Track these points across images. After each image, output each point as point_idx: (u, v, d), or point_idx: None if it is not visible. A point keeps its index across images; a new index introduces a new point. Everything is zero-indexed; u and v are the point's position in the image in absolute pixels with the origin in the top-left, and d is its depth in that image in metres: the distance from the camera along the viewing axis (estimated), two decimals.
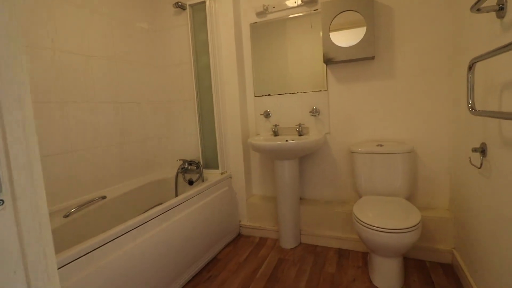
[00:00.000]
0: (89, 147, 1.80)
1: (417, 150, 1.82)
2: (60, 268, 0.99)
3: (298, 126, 2.03)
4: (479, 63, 1.17)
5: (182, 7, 2.24)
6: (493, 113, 0.82)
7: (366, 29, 1.72)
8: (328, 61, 1.84)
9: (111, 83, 1.97)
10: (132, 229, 1.30)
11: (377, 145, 1.76)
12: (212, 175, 2.14)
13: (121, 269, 1.20)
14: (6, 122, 0.39)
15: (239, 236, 2.23)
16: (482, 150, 1.18)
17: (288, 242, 1.98)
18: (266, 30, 2.11)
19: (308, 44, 2.00)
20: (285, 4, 2.03)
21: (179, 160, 2.27)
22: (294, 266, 1.77)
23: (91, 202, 1.71)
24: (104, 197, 1.80)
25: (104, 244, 1.16)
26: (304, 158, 2.13)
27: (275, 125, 2.10)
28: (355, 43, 1.75)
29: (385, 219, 1.40)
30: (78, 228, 1.61)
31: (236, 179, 2.22)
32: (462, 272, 1.47)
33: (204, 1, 2.10)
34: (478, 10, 0.96)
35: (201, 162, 2.24)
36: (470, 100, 1.03)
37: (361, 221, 1.42)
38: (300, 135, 2.03)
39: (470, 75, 1.02)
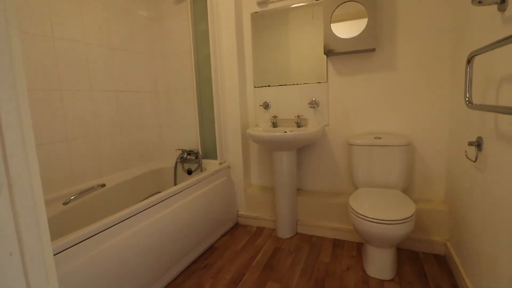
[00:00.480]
0: (88, 135, 1.81)
1: (415, 143, 1.83)
2: (57, 254, 1.01)
3: (297, 117, 2.03)
4: (480, 57, 1.16)
5: None
6: (489, 107, 0.82)
7: (368, 20, 1.70)
8: (328, 52, 1.83)
9: (110, 71, 1.96)
10: (131, 217, 1.32)
11: (375, 138, 1.77)
12: (210, 165, 2.16)
13: (119, 255, 1.23)
14: (0, 107, 0.39)
15: (236, 225, 2.26)
16: (478, 144, 1.19)
17: (284, 232, 2.01)
18: (267, 20, 2.09)
19: (309, 35, 1.98)
20: None
21: (178, 149, 2.28)
22: (289, 255, 1.80)
23: (90, 190, 1.74)
24: (103, 185, 1.82)
25: (102, 231, 1.18)
26: (303, 149, 2.14)
27: (274, 116, 2.10)
28: (356, 34, 1.73)
29: (380, 210, 1.41)
30: (78, 215, 1.63)
31: (234, 169, 2.24)
32: (454, 264, 1.50)
33: None
34: (480, 2, 0.95)
35: (200, 152, 2.26)
36: (467, 94, 1.03)
37: (356, 212, 1.44)
38: (298, 126, 2.04)
39: (468, 69, 1.01)
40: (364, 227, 1.41)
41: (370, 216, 1.38)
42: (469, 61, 1.01)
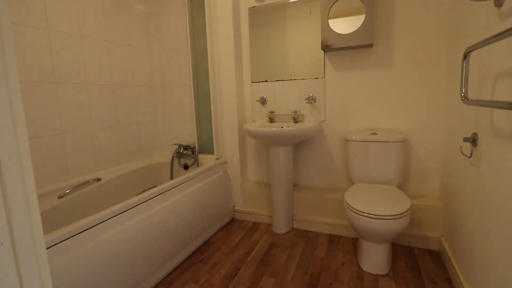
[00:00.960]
0: (83, 129, 1.80)
1: (411, 139, 1.84)
2: (51, 246, 1.00)
3: (294, 113, 2.03)
4: (476, 53, 1.17)
5: None
6: (485, 102, 0.83)
7: (365, 16, 1.69)
8: (326, 48, 1.82)
9: (106, 64, 1.94)
10: (126, 210, 1.32)
11: (371, 134, 1.77)
12: (207, 160, 2.15)
13: (115, 249, 1.23)
14: None
15: (232, 220, 2.27)
16: (473, 140, 1.19)
17: (280, 227, 2.02)
18: (265, 14, 2.07)
19: (306, 30, 1.97)
20: None
21: (175, 144, 2.27)
22: (285, 250, 1.81)
23: (85, 184, 1.73)
24: (99, 179, 1.81)
25: (97, 224, 1.17)
26: (299, 145, 2.14)
27: (271, 112, 2.09)
28: (354, 29, 1.73)
29: (375, 206, 1.42)
30: (73, 209, 1.62)
31: (231, 164, 2.23)
32: (448, 259, 1.51)
33: None
34: None
35: (196, 147, 2.25)
36: (463, 89, 1.03)
37: (352, 207, 1.44)
38: (295, 122, 2.03)
39: (464, 64, 1.02)
40: (359, 222, 1.42)
41: (366, 212, 1.38)
42: (465, 56, 1.01)
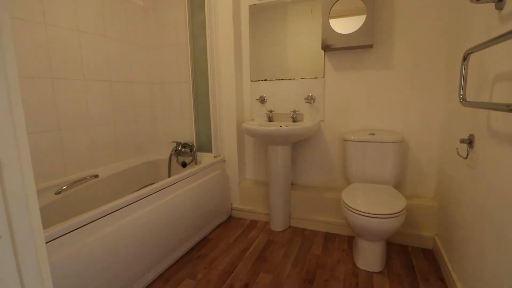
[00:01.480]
0: (81, 125, 1.79)
1: (408, 140, 1.85)
2: (49, 242, 1.00)
3: (293, 112, 2.03)
4: (475, 56, 1.18)
5: None
6: (483, 104, 0.84)
7: (366, 16, 1.70)
8: (326, 47, 1.83)
9: (104, 61, 1.93)
10: (125, 206, 1.32)
11: (370, 134, 1.78)
12: (205, 158, 2.16)
13: (112, 245, 1.23)
14: None
15: (230, 218, 2.28)
16: (470, 141, 1.21)
17: (277, 225, 2.03)
18: (265, 13, 2.07)
19: (307, 30, 1.97)
20: None
21: (173, 142, 2.27)
22: (282, 247, 1.82)
23: (83, 180, 1.72)
24: (96, 176, 1.80)
25: (95, 220, 1.17)
26: (297, 144, 2.15)
27: (270, 111, 2.10)
28: (355, 30, 1.73)
29: (371, 205, 1.44)
30: (70, 205, 1.62)
31: (229, 163, 2.24)
32: (441, 258, 1.54)
33: None
34: (478, 0, 0.95)
35: (194, 145, 2.25)
36: (462, 91, 1.04)
37: (349, 206, 1.46)
38: (294, 121, 2.04)
39: (464, 66, 1.03)
40: (355, 220, 1.43)
41: (362, 210, 1.40)
42: (465, 58, 1.02)
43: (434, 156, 1.81)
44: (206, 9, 2.03)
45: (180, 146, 2.23)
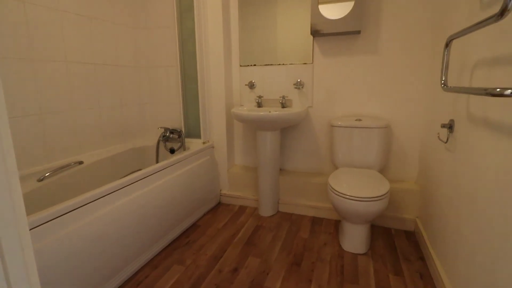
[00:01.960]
0: (64, 109, 1.74)
1: (393, 125, 1.90)
2: (32, 229, 0.99)
3: (281, 98, 2.04)
4: (457, 43, 1.20)
5: None
6: (462, 88, 0.87)
7: (354, 2, 1.69)
8: (315, 33, 1.82)
9: (88, 42, 1.86)
10: (111, 193, 1.30)
11: (356, 120, 1.81)
12: (194, 144, 2.14)
13: (97, 232, 1.22)
14: None
15: (219, 204, 2.29)
16: (450, 126, 1.25)
17: (266, 210, 2.07)
18: None
19: (296, 15, 1.95)
20: None
21: (161, 128, 2.24)
22: (270, 232, 1.86)
23: (67, 166, 1.69)
24: (81, 162, 1.77)
25: (80, 207, 1.16)
26: (286, 130, 2.16)
27: (259, 96, 2.09)
28: (343, 15, 1.73)
29: (356, 188, 1.48)
30: (53, 193, 1.59)
31: (218, 149, 2.24)
32: (422, 239, 1.61)
33: None
34: None
35: (183, 131, 2.23)
36: (443, 77, 1.07)
37: (335, 189, 1.50)
38: (283, 107, 2.05)
39: (446, 52, 1.05)
40: (341, 204, 1.47)
41: (348, 194, 1.44)
42: (447, 44, 1.04)
43: (417, 141, 1.87)
44: None
45: (168, 132, 2.21)
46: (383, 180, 1.58)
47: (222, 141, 2.21)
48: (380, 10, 1.79)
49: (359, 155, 1.82)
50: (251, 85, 2.17)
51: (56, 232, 1.06)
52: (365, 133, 1.78)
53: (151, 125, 2.42)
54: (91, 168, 1.83)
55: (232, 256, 1.61)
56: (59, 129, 1.71)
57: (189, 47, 2.14)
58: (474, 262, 0.97)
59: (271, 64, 2.09)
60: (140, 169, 1.63)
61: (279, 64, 2.07)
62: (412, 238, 1.76)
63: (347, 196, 1.44)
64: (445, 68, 1.06)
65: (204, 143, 2.16)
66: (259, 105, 2.10)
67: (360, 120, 1.81)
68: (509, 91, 0.65)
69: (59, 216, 1.07)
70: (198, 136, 2.22)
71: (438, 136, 1.39)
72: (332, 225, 1.93)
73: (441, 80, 1.07)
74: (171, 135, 2.22)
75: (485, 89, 0.71)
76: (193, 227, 1.94)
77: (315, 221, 1.99)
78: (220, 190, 2.31)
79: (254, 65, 2.14)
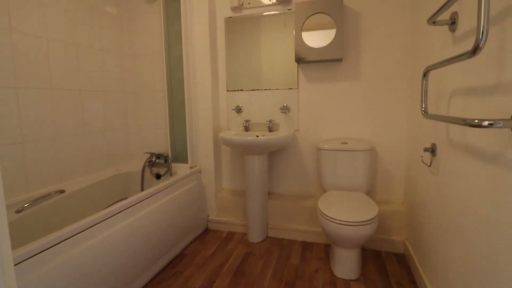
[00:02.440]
0: (46, 137, 1.68)
1: (377, 148, 1.95)
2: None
3: (268, 122, 2.07)
4: (435, 73, 1.28)
5: None
6: (443, 117, 0.91)
7: (336, 32, 1.79)
8: (299, 60, 1.89)
9: (74, 69, 1.85)
10: (94, 225, 1.24)
11: (342, 143, 1.85)
12: (181, 169, 2.11)
13: (81, 267, 1.14)
14: None
15: (206, 230, 2.23)
16: (432, 150, 1.30)
17: (255, 236, 2.02)
18: (241, 25, 2.11)
19: (281, 42, 2.03)
20: (261, 1, 2.04)
21: (146, 153, 2.20)
22: (260, 259, 1.81)
23: (47, 196, 1.60)
24: (62, 191, 1.69)
25: (62, 241, 1.09)
26: (274, 153, 2.17)
27: (247, 121, 2.11)
28: (325, 44, 1.82)
29: (346, 213, 1.48)
30: (33, 225, 1.50)
31: (205, 173, 2.21)
32: (412, 261, 1.61)
33: None
34: (434, 22, 1.05)
35: (169, 156, 2.19)
36: (423, 105, 1.12)
37: (325, 214, 1.49)
38: (270, 131, 2.07)
39: (424, 82, 1.11)
40: (332, 229, 1.47)
41: (338, 219, 1.44)
42: (425, 75, 1.11)
43: (401, 163, 1.92)
44: (182, 19, 2.03)
45: (154, 157, 2.17)
46: (371, 204, 1.60)
47: (209, 165, 2.19)
48: (358, 39, 1.89)
49: (346, 178, 1.85)
50: (238, 110, 2.19)
51: (34, 272, 0.99)
52: (351, 156, 1.82)
53: (136, 150, 2.37)
54: (73, 197, 1.75)
55: (221, 287, 1.54)
56: (41, 156, 1.65)
57: (177, 72, 2.16)
58: (465, 287, 0.97)
59: (258, 89, 2.14)
60: (125, 197, 1.58)
61: (266, 89, 2.12)
62: (403, 260, 1.76)
63: (337, 221, 1.44)
64: (424, 96, 1.12)
65: (191, 167, 2.13)
66: (247, 129, 2.12)
67: (346, 143, 1.85)
68: (486, 122, 0.69)
69: (36, 254, 1.00)
70: (185, 160, 2.19)
71: (422, 160, 1.43)
72: (322, 250, 1.90)
73: (422, 107, 1.12)
74: (157, 160, 2.18)
75: (464, 120, 0.74)
76: (180, 256, 1.86)
77: (306, 246, 1.96)
78: (208, 216, 2.25)
79: (241, 90, 2.18)
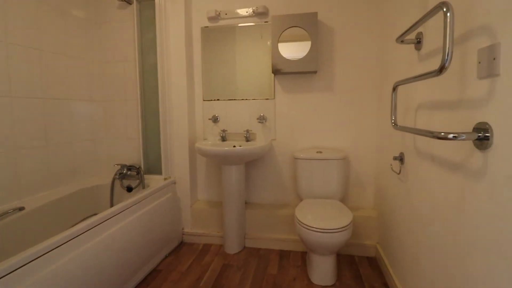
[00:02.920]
0: (3, 148, 1.53)
1: (350, 157, 2.05)
2: None
3: (246, 132, 2.08)
4: (403, 87, 1.39)
5: (128, 1, 2.09)
6: (412, 129, 0.98)
7: (311, 45, 1.87)
8: (276, 71, 1.94)
9: (37, 76, 1.71)
10: (58, 246, 1.13)
11: (317, 152, 1.91)
12: (154, 181, 2.03)
13: None
14: None
15: (181, 244, 2.15)
16: (401, 159, 1.39)
17: (232, 247, 2.00)
18: (218, 35, 2.12)
19: (258, 53, 2.07)
20: (238, 13, 2.07)
21: (117, 165, 2.09)
22: (238, 271, 1.78)
23: (4, 214, 1.45)
24: (21, 208, 1.54)
25: (21, 267, 0.98)
26: (251, 163, 2.18)
27: (223, 130, 2.10)
28: (301, 57, 1.89)
29: (323, 220, 1.53)
30: None
31: (180, 184, 2.14)
32: (384, 264, 1.69)
33: None
34: (402, 41, 1.14)
35: (142, 167, 2.10)
36: (393, 116, 1.20)
37: (302, 223, 1.52)
38: (247, 141, 2.08)
39: (393, 95, 1.20)
40: (309, 236, 1.50)
41: (315, 226, 1.47)
42: (394, 89, 1.19)
43: (372, 171, 2.03)
44: (157, 27, 1.98)
45: (125, 169, 2.06)
46: (346, 210, 1.66)
47: (184, 176, 2.13)
48: (333, 54, 1.99)
49: (321, 186, 1.90)
50: (215, 119, 2.18)
51: None
52: (326, 164, 1.88)
53: (105, 162, 2.24)
54: (34, 214, 1.59)
55: None
56: None
57: (151, 81, 2.10)
58: (433, 286, 1.04)
59: (235, 99, 2.15)
60: (95, 213, 1.47)
61: (243, 99, 2.13)
62: (375, 264, 1.84)
63: (314, 229, 1.47)
64: (393, 109, 1.20)
65: (165, 179, 2.06)
66: (223, 139, 2.11)
67: (320, 152, 1.92)
68: (451, 135, 0.76)
69: None
70: (159, 172, 2.11)
71: (392, 168, 1.53)
72: (299, 258, 1.92)
73: (391, 119, 1.20)
74: (128, 172, 2.07)
75: (432, 132, 0.81)
76: (154, 272, 1.77)
77: (283, 255, 1.97)
78: (183, 229, 2.18)
79: (218, 99, 2.17)
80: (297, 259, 1.91)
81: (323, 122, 2.06)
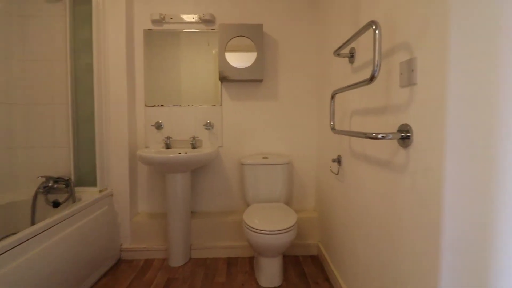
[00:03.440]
0: None
1: (293, 161, 2.17)
2: None
3: (192, 138, 2.03)
4: (338, 94, 1.55)
5: None
6: (348, 132, 1.11)
7: (257, 55, 1.95)
8: (223, 79, 1.96)
9: None
10: None
11: (263, 157, 1.98)
12: (87, 194, 1.81)
13: None
14: None
15: (119, 261, 1.95)
16: (339, 160, 1.54)
17: (177, 260, 1.90)
18: (162, 39, 2.05)
19: (204, 60, 2.07)
20: (183, 18, 2.05)
21: (41, 177, 1.80)
22: (184, 283, 1.70)
23: None
24: None
25: None
26: (197, 170, 2.13)
27: (168, 137, 2.02)
28: (248, 65, 1.95)
29: (269, 223, 1.57)
30: None
31: (118, 196, 1.96)
32: (326, 261, 1.82)
33: None
34: (338, 55, 1.29)
35: (72, 179, 1.86)
36: (332, 122, 1.33)
37: (250, 226, 1.55)
38: (193, 148, 2.03)
39: (332, 103, 1.33)
40: (256, 239, 1.52)
41: (261, 229, 1.51)
42: (332, 97, 1.33)
43: (313, 174, 2.18)
44: (94, 25, 1.82)
45: (51, 182, 1.80)
46: (291, 212, 1.74)
47: (123, 187, 1.96)
48: (277, 64, 2.12)
49: (267, 190, 1.97)
50: (158, 126, 2.08)
51: None
52: (271, 169, 1.96)
53: (25, 174, 1.92)
54: None
55: None
56: None
57: (84, 83, 1.90)
58: (370, 278, 1.16)
59: (180, 105, 2.09)
60: (13, 233, 1.24)
61: (189, 106, 2.09)
62: (317, 261, 1.96)
63: (261, 231, 1.51)
64: (332, 115, 1.34)
65: (101, 191, 1.87)
66: (168, 146, 2.02)
67: (266, 158, 1.99)
68: (381, 135, 0.88)
69: None
70: (93, 183, 1.90)
71: (331, 169, 1.67)
72: (247, 263, 1.93)
73: (330, 124, 1.33)
74: (55, 185, 1.81)
75: (365, 133, 0.93)
76: None
77: (231, 262, 1.95)
78: (121, 245, 1.99)
79: (162, 105, 2.08)
80: (245, 265, 1.91)
81: (269, 128, 2.15)
